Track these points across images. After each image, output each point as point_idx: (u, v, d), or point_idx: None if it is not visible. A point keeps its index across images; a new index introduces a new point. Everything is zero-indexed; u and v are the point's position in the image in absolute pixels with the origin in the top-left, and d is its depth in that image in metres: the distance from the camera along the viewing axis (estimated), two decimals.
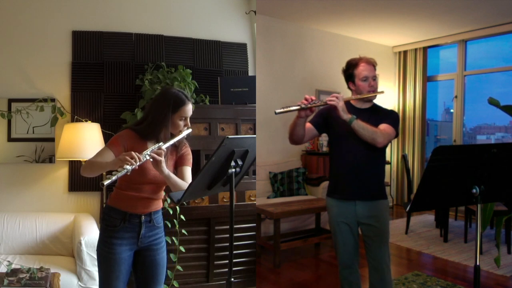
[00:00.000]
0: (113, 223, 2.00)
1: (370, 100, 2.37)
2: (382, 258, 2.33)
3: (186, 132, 2.05)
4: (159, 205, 2.12)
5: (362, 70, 2.31)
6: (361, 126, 2.17)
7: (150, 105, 2.08)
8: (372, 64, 2.34)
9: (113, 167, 1.78)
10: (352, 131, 2.19)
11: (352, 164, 2.30)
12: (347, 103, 2.26)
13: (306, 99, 2.14)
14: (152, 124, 1.99)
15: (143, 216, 2.03)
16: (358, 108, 2.35)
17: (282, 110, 2.10)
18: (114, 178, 1.69)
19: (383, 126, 2.26)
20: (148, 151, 1.84)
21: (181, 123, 2.03)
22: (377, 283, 2.33)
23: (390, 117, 2.33)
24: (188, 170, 2.11)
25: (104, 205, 2.11)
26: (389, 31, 6.11)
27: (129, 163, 1.72)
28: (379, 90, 2.36)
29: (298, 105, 2.13)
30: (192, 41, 3.96)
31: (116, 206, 2.02)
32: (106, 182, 1.67)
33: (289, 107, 2.12)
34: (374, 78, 2.33)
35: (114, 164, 1.79)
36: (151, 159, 1.85)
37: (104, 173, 2.43)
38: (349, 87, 2.41)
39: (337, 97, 2.16)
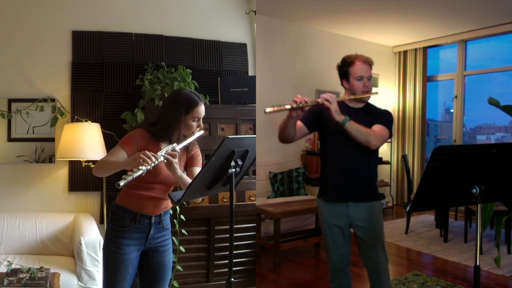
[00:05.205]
0: (122, 223, 1.98)
1: (364, 100, 2.30)
2: (377, 259, 2.28)
3: (198, 133, 2.03)
4: (168, 204, 2.10)
5: (357, 69, 2.22)
6: (354, 128, 2.10)
7: (163, 106, 2.06)
8: (368, 63, 2.25)
9: (127, 167, 1.77)
10: (345, 132, 2.13)
11: (344, 165, 2.25)
12: (340, 101, 2.18)
13: (295, 101, 2.04)
14: (166, 125, 1.97)
15: (153, 217, 2.01)
16: (351, 108, 2.28)
17: (272, 109, 2.00)
18: (130, 178, 1.67)
19: (377, 128, 2.19)
20: (162, 152, 1.83)
21: (194, 124, 2.01)
22: (375, 284, 2.31)
23: (383, 117, 2.28)
24: (198, 171, 2.09)
25: (112, 203, 2.08)
26: (389, 31, 6.11)
27: (146, 164, 1.71)
28: (375, 90, 2.27)
29: (289, 105, 2.04)
30: (192, 41, 3.96)
31: (126, 206, 1.99)
32: (122, 183, 1.66)
33: (280, 106, 2.02)
34: (370, 78, 2.25)
35: (128, 163, 1.77)
36: (165, 160, 1.84)
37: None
38: (342, 85, 2.33)
39: (330, 97, 2.08)
